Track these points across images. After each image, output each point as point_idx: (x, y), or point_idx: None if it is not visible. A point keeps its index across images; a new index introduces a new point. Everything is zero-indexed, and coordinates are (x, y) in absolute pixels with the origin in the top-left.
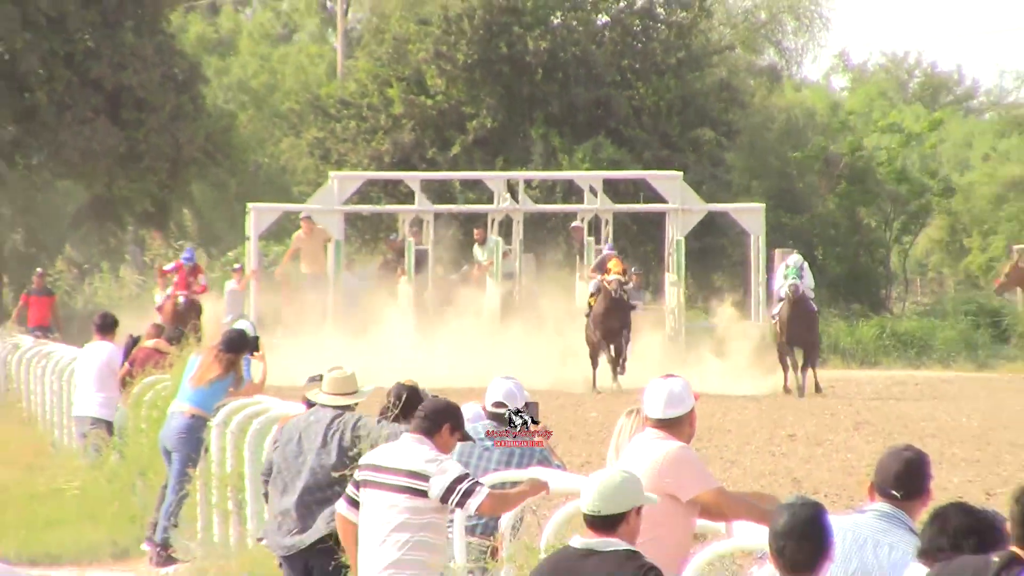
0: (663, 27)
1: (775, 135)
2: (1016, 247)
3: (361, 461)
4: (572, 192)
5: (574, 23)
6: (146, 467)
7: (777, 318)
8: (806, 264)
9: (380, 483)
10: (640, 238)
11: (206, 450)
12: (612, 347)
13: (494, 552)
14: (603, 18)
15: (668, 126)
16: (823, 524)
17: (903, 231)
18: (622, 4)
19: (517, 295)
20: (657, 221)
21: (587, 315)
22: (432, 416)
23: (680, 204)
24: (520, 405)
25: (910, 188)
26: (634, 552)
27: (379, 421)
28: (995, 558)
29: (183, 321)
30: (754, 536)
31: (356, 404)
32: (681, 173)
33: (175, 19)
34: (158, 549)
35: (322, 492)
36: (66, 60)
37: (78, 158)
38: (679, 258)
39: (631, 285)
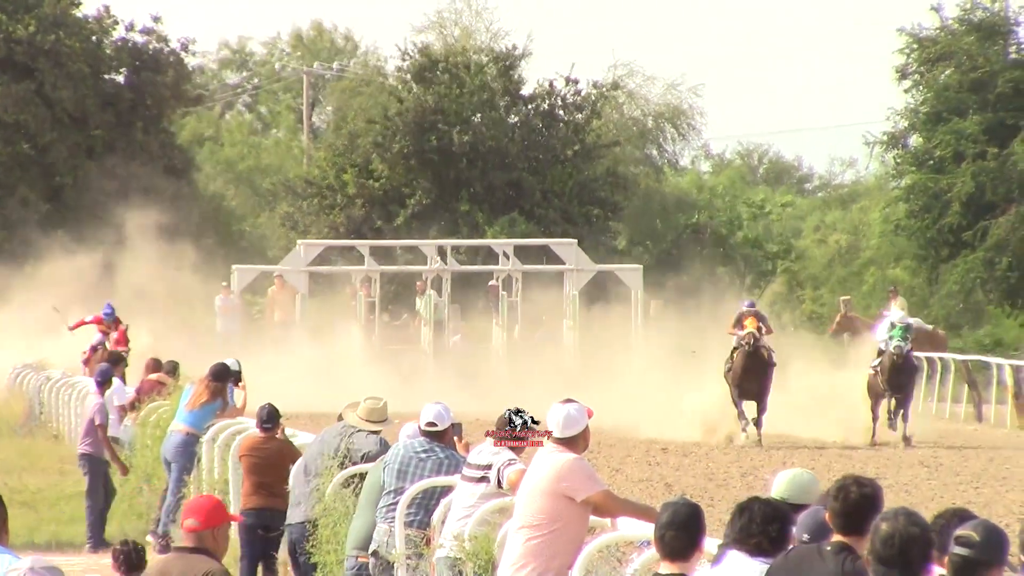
0: (562, 125)
1: (655, 211)
2: (843, 298)
3: None
4: (490, 256)
5: (490, 121)
6: (151, 475)
7: (879, 371)
8: (912, 324)
9: None
10: (543, 293)
11: (198, 461)
12: (753, 402)
13: (428, 541)
14: (514, 118)
15: (567, 204)
16: (698, 521)
17: (753, 285)
18: (530, 106)
19: (448, 337)
20: (557, 279)
21: (727, 370)
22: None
23: (575, 265)
24: (448, 425)
25: (759, 251)
26: None
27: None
28: (827, 547)
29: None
30: (635, 529)
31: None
32: (576, 241)
33: (175, 119)
34: (160, 539)
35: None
36: (87, 152)
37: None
38: (575, 308)
39: (764, 340)
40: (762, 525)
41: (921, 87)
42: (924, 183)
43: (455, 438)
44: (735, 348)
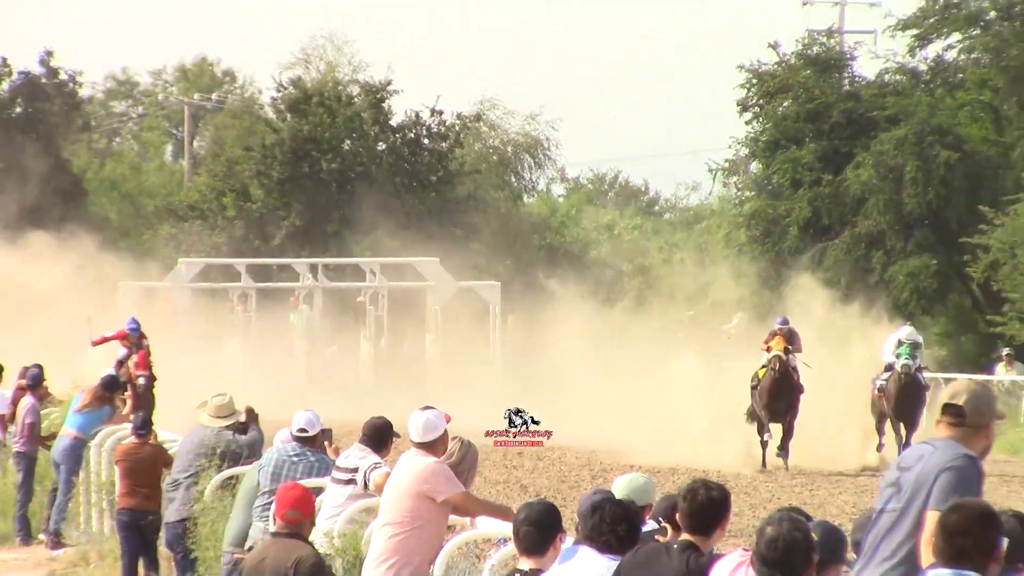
0: (427, 153)
1: (513, 231)
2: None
3: None
4: (359, 274)
5: (360, 149)
6: (43, 476)
7: (884, 391)
8: (921, 341)
9: None
10: (408, 308)
11: (86, 464)
12: (776, 424)
13: None
14: (382, 146)
15: (431, 225)
16: (554, 519)
17: (604, 301)
18: (397, 135)
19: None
20: (421, 295)
21: (753, 387)
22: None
23: (437, 282)
24: (318, 431)
25: (610, 269)
26: None
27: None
28: (675, 545)
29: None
30: (492, 527)
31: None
32: (438, 259)
33: (66, 145)
34: (52, 537)
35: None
36: None
37: None
38: (437, 322)
39: (794, 360)
40: (611, 524)
41: (761, 118)
42: (764, 209)
43: (325, 443)
44: (763, 366)
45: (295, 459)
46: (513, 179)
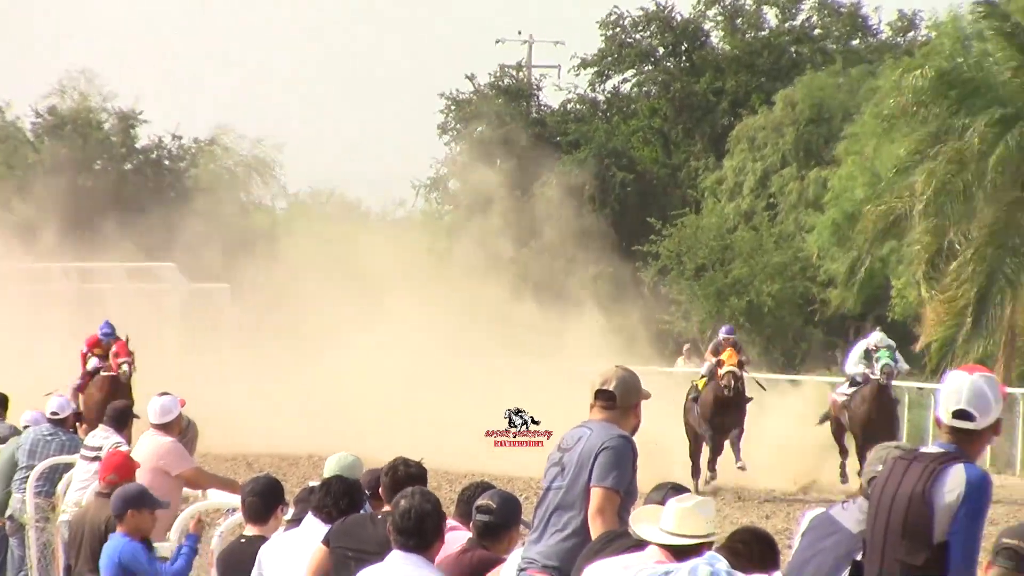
0: (167, 172)
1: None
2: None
3: None
4: (107, 277)
5: (109, 168)
6: None
7: (849, 404)
8: (894, 344)
9: None
10: (147, 309)
11: None
12: (715, 439)
13: (53, 508)
14: (129, 166)
15: (169, 234)
16: (276, 491)
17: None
18: (142, 157)
19: None
20: (159, 296)
21: (693, 399)
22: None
23: (173, 285)
24: (69, 412)
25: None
26: None
27: None
28: (379, 515)
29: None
30: (221, 498)
31: None
32: (175, 264)
33: None
34: None
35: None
36: None
37: None
38: (175, 320)
39: (744, 376)
40: (335, 498)
41: (458, 141)
42: (462, 223)
43: (77, 424)
44: (704, 377)
45: (48, 438)
46: (243, 195)
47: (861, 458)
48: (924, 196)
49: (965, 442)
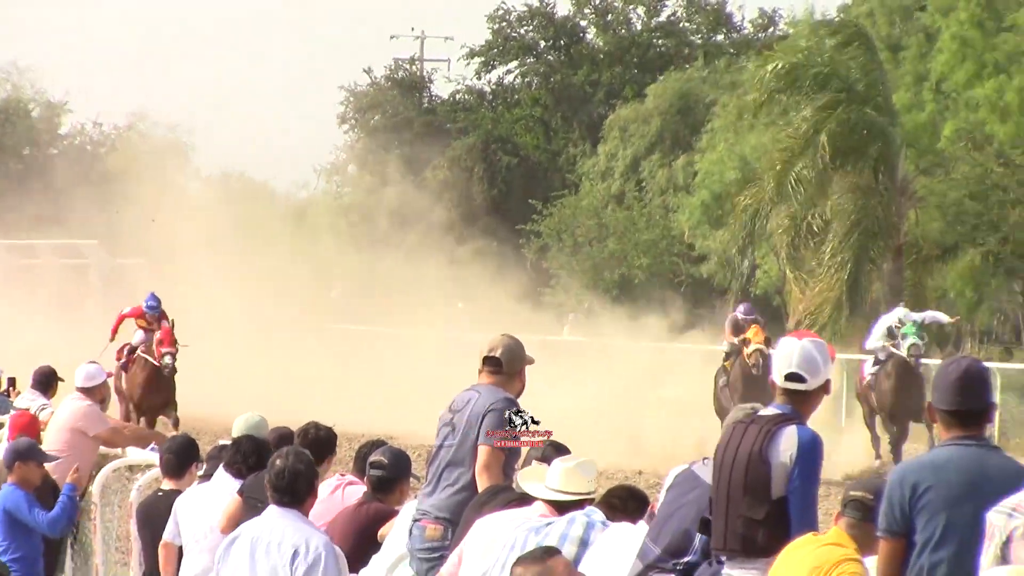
0: (89, 157)
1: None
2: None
3: None
4: (36, 252)
5: (36, 154)
6: None
7: (874, 383)
8: (925, 319)
9: None
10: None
11: None
12: None
13: None
14: (55, 151)
15: (94, 215)
16: (191, 449)
17: None
18: (67, 142)
19: None
20: (85, 270)
21: (723, 385)
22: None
23: (96, 260)
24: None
25: None
26: None
27: None
28: None
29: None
30: (139, 456)
31: None
32: (96, 241)
33: None
34: None
35: None
36: None
37: None
38: (98, 292)
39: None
40: (244, 456)
41: (356, 129)
42: (361, 202)
43: (10, 389)
44: (728, 356)
45: None
46: (160, 177)
47: (887, 431)
48: (772, 181)
49: (798, 402)
